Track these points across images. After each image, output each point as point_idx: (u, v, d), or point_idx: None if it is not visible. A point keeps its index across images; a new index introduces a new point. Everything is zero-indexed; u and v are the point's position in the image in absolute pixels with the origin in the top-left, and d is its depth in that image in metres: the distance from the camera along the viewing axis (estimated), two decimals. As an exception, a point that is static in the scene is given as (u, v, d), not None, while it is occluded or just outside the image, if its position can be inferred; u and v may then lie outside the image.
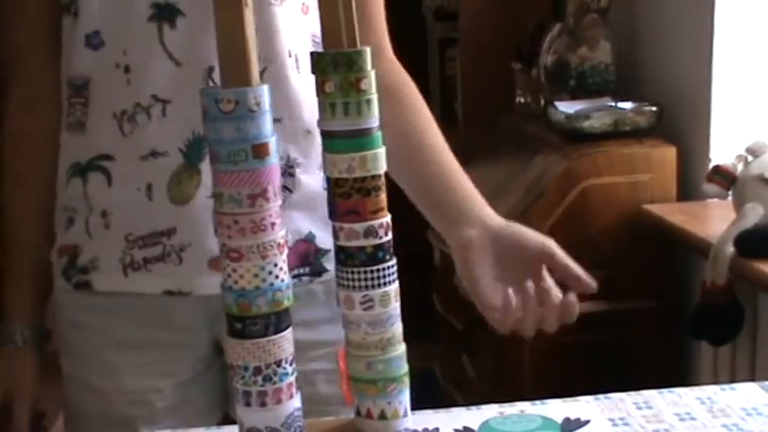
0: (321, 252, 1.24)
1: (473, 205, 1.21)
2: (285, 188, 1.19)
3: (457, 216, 1.20)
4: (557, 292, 1.14)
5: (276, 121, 1.14)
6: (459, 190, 1.23)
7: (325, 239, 1.22)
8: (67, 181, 1.22)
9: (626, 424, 0.95)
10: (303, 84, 1.20)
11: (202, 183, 1.16)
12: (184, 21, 1.15)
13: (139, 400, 1.22)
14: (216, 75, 1.09)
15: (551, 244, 1.18)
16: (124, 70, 1.15)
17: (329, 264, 1.23)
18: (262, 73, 1.15)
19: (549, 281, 1.15)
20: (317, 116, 1.15)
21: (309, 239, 1.24)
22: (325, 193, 1.15)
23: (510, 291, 1.12)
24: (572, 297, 1.14)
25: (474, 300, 1.17)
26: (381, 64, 1.27)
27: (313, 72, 0.85)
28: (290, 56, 1.19)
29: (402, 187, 1.26)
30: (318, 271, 1.24)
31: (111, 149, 1.18)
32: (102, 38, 1.16)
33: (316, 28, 1.17)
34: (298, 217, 1.22)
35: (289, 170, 1.21)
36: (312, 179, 1.23)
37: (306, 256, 1.23)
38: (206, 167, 1.12)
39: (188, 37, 1.15)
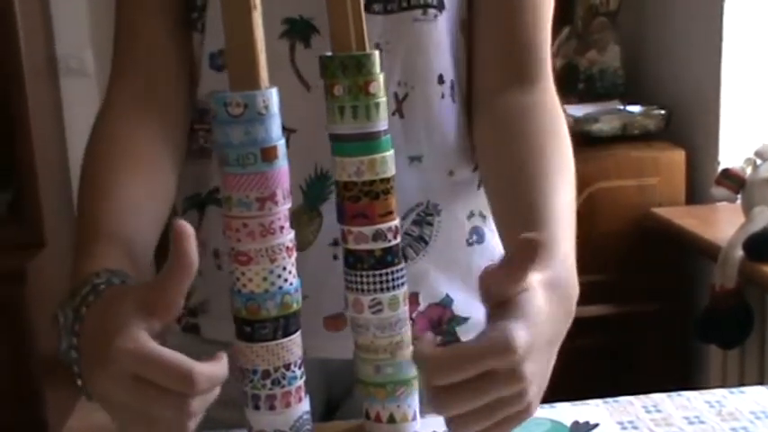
0: (457, 320, 1.08)
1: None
2: (421, 239, 1.06)
3: None
4: None
5: (415, 159, 1.05)
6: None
7: (463, 305, 1.08)
8: (183, 214, 1.11)
9: (635, 427, 0.95)
10: (453, 115, 1.06)
11: (323, 227, 1.03)
12: (319, 39, 1.00)
13: None
14: None
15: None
16: None
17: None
18: (402, 100, 1.03)
19: None
20: (467, 153, 1.06)
21: (445, 304, 1.08)
22: (469, 248, 1.08)
23: None
24: None
25: None
26: (521, 92, 1.05)
27: (321, 76, 0.85)
28: (442, 82, 1.04)
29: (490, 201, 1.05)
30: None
31: None
32: None
33: (473, 47, 1.06)
34: (435, 275, 1.06)
35: (427, 218, 1.06)
36: (455, 229, 1.07)
37: (438, 324, 1.08)
38: (327, 209, 1.02)
39: None
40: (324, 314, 1.04)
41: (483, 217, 1.10)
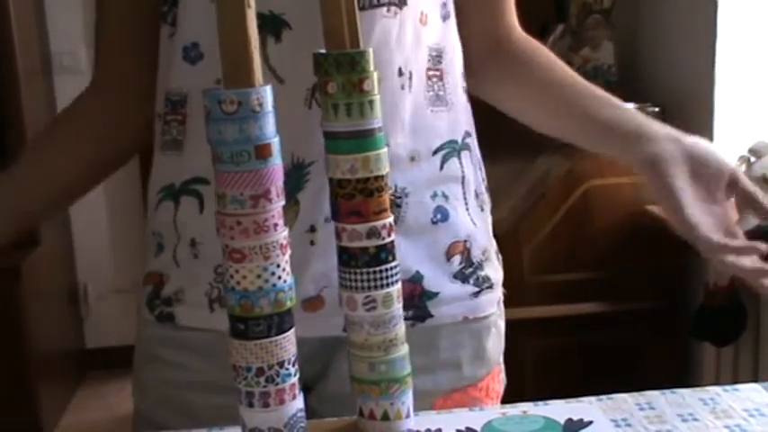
0: (428, 295, 1.12)
1: (655, 124, 1.13)
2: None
3: (643, 132, 1.11)
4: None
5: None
6: (633, 112, 1.17)
7: (433, 280, 1.13)
8: (158, 204, 1.14)
9: (628, 425, 0.95)
10: (411, 104, 1.11)
11: (300, 215, 1.07)
12: (290, 34, 1.04)
13: None
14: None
15: (739, 170, 1.13)
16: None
17: (435, 308, 1.13)
18: None
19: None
20: (425, 138, 1.13)
21: (416, 280, 1.12)
22: (433, 227, 1.13)
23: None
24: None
25: (674, 218, 1.07)
26: (516, 37, 1.26)
27: (315, 73, 0.85)
28: (401, 74, 1.09)
29: (563, 134, 1.22)
30: (422, 316, 1.12)
31: (206, 173, 1.08)
32: (200, 51, 1.08)
33: (433, 39, 1.14)
34: (404, 254, 1.07)
35: (396, 200, 1.10)
36: (420, 210, 1.12)
37: (410, 299, 1.10)
38: (303, 197, 1.07)
39: (293, 52, 1.04)
40: (302, 297, 1.07)
41: (446, 197, 1.14)
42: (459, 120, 1.18)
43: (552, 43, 2.91)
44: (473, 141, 1.20)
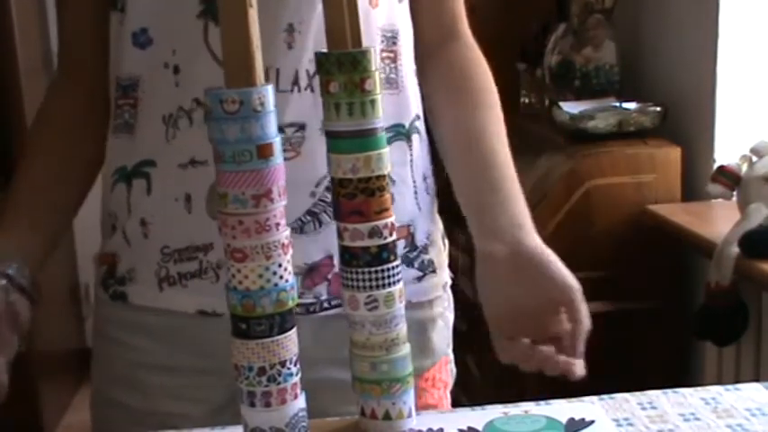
0: None
1: (512, 218, 1.12)
2: None
3: (492, 225, 1.11)
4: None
5: None
6: (503, 199, 1.15)
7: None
8: (112, 186, 1.16)
9: (630, 424, 0.95)
10: None
11: None
12: None
13: (169, 423, 1.10)
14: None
15: (577, 293, 1.15)
16: (173, 71, 1.08)
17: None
18: (314, 76, 1.07)
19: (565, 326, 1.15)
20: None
21: None
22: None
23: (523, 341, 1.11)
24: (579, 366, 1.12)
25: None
26: (454, 49, 1.21)
27: (317, 72, 0.85)
28: None
29: (450, 178, 1.18)
30: None
31: (154, 155, 1.11)
32: (149, 36, 1.09)
33: (385, 21, 1.13)
34: None
35: None
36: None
37: None
38: None
39: None
40: None
41: (392, 181, 1.11)
42: (409, 103, 1.17)
43: (554, 43, 2.91)
44: (422, 124, 1.19)
